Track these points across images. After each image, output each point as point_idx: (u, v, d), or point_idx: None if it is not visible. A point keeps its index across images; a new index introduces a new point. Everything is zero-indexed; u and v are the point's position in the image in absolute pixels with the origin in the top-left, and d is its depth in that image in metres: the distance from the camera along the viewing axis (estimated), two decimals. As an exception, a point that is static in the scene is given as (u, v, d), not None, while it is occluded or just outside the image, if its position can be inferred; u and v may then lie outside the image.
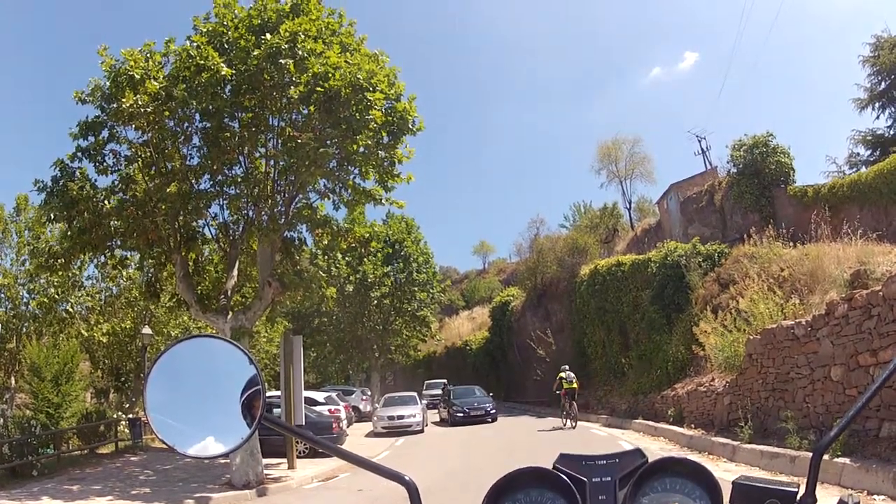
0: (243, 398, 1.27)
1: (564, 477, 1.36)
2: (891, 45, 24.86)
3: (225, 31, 15.17)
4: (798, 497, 1.20)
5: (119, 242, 16.21)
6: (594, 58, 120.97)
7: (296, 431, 1.53)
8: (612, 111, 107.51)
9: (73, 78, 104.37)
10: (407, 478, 1.30)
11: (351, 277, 37.53)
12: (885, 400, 8.98)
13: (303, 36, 14.56)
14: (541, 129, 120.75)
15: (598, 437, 18.56)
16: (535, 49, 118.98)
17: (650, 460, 1.40)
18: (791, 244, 18.81)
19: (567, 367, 23.44)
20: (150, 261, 17.16)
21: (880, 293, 9.37)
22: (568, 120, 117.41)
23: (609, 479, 1.37)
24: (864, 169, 23.35)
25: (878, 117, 26.11)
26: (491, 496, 1.38)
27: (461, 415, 27.35)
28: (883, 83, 25.61)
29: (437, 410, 32.67)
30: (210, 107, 14.75)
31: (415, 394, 30.34)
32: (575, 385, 22.49)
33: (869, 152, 26.10)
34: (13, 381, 23.54)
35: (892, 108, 25.63)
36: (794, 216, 22.46)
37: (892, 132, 25.56)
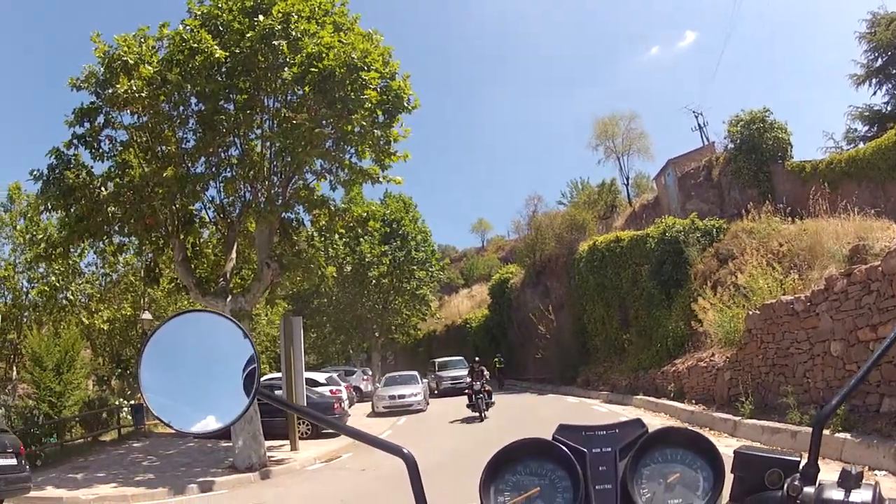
0: (239, 371, 1.25)
1: (564, 448, 1.36)
2: (887, 21, 24.75)
3: (219, 13, 15.10)
4: (801, 466, 1.20)
5: (117, 228, 16.16)
6: (593, 36, 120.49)
7: (294, 407, 1.53)
8: (611, 89, 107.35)
9: (66, 69, 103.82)
10: (405, 451, 1.29)
11: (348, 258, 37.32)
12: (885, 375, 9.01)
13: (296, 16, 14.53)
14: (539, 107, 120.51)
15: (599, 413, 18.65)
16: (534, 27, 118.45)
17: (650, 431, 1.39)
18: (789, 219, 18.79)
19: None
20: (149, 246, 17.10)
21: (879, 268, 9.37)
22: (566, 98, 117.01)
23: (609, 449, 1.36)
24: (861, 145, 23.25)
25: (874, 93, 26.05)
26: (490, 468, 1.37)
27: None
28: (879, 59, 25.50)
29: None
30: (205, 90, 14.71)
31: (416, 373, 30.11)
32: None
33: (866, 128, 26.01)
34: (15, 372, 23.55)
35: (889, 84, 25.54)
36: (792, 192, 22.40)
37: (889, 108, 25.47)
